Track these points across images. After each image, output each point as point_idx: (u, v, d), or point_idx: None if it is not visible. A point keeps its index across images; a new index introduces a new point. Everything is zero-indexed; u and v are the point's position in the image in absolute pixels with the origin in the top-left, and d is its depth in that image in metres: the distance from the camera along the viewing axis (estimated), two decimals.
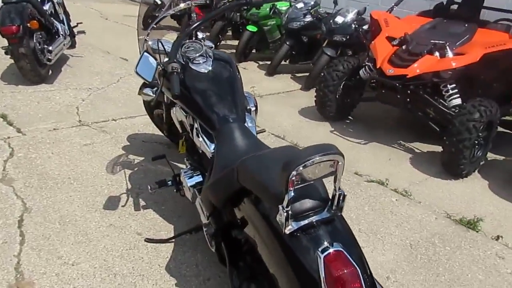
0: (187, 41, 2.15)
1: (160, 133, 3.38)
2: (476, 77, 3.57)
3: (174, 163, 2.92)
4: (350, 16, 4.96)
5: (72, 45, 5.14)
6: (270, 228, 1.27)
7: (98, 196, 2.58)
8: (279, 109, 4.42)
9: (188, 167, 2.28)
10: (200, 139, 1.99)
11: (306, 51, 5.56)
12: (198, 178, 2.19)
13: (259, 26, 5.75)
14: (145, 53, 1.95)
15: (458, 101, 3.46)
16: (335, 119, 4.24)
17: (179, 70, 1.87)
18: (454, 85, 3.47)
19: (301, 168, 1.09)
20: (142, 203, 2.56)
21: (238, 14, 6.18)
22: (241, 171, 1.43)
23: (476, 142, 3.26)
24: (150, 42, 2.28)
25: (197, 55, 2.11)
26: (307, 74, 5.30)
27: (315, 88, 4.26)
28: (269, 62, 5.65)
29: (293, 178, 1.10)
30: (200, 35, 2.28)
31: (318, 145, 1.14)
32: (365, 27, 5.06)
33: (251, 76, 5.40)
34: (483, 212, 2.86)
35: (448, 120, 3.45)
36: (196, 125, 2.03)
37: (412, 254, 2.41)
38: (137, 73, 1.93)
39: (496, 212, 2.89)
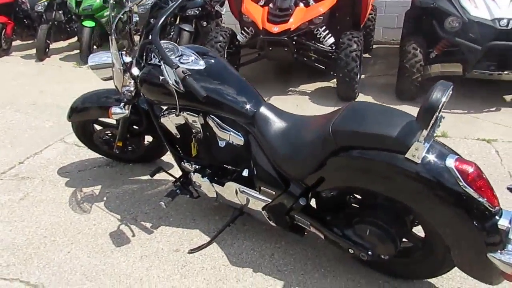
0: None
1: (89, 156, 3.07)
2: (334, 16, 4.24)
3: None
4: None
5: None
6: (401, 166, 1.50)
7: (98, 238, 2.28)
8: None
9: (196, 167, 2.23)
10: (228, 131, 1.99)
11: None
12: (216, 173, 2.19)
13: (96, 20, 5.33)
14: (162, 63, 1.80)
15: (331, 39, 4.09)
16: None
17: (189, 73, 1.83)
18: (324, 27, 4.07)
19: (440, 105, 1.36)
20: (147, 225, 2.38)
21: (60, 12, 5.55)
22: (342, 133, 1.60)
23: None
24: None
25: (178, 54, 2.05)
26: None
27: None
28: None
29: (436, 114, 1.37)
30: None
31: (439, 83, 1.42)
32: None
33: None
34: None
35: (330, 57, 4.09)
36: (213, 122, 2.01)
37: None
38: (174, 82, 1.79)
39: None
